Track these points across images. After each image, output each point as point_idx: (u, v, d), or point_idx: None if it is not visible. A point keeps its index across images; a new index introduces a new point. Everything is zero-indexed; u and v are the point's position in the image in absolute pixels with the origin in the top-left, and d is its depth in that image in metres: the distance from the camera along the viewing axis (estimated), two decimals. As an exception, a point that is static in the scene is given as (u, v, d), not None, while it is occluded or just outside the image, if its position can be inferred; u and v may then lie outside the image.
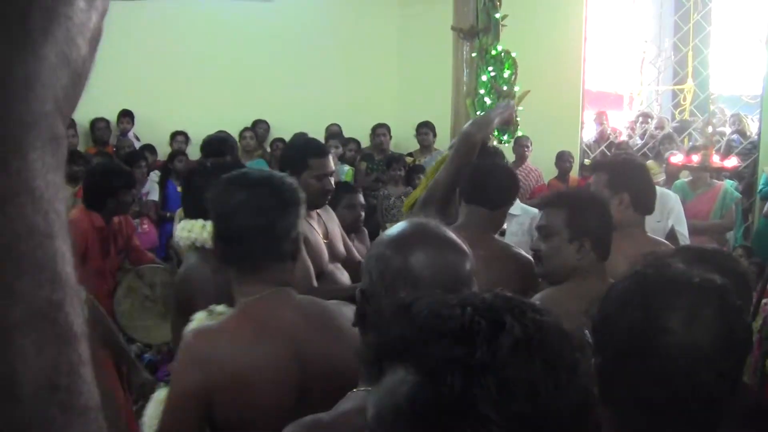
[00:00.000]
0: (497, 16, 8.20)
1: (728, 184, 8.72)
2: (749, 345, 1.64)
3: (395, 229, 1.95)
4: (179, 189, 9.21)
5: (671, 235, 5.14)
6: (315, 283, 3.86)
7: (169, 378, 2.70)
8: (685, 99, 13.56)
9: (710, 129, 9.17)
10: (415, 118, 10.74)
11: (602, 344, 1.65)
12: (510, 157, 9.88)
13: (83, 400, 0.64)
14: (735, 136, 11.33)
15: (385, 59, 11.83)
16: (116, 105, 10.76)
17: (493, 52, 8.09)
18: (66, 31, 0.71)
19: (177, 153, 10.17)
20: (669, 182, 8.32)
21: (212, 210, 2.61)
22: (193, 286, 3.38)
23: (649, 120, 12.78)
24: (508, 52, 8.16)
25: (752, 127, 11.47)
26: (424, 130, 10.60)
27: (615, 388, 1.61)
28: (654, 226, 4.65)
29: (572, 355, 1.22)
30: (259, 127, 11.09)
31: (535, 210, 5.79)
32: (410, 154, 10.73)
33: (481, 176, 3.99)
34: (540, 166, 10.43)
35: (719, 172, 8.78)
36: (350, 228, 5.19)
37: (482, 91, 8.08)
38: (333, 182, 4.15)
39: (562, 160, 10.45)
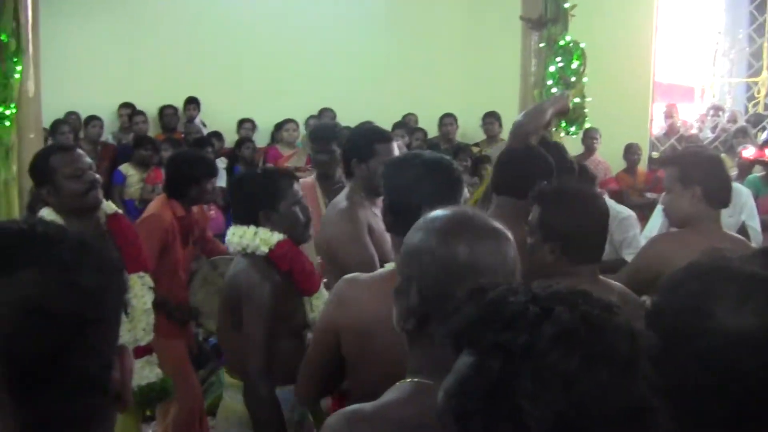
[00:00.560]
0: (566, 5, 8.13)
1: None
2: None
3: (438, 218, 1.89)
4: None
5: (743, 230, 5.05)
6: None
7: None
8: (759, 92, 13.30)
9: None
10: (481, 108, 10.68)
11: (652, 330, 1.63)
12: (578, 149, 9.80)
13: None
14: (811, 130, 11.09)
15: (452, 49, 11.77)
16: (183, 92, 10.89)
17: (562, 43, 8.03)
18: None
19: (244, 140, 10.27)
20: (741, 177, 8.16)
21: (386, 183, 2.83)
22: (241, 290, 3.40)
23: (721, 113, 12.56)
24: (576, 43, 8.10)
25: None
26: (490, 119, 10.53)
27: (663, 375, 1.59)
28: (726, 221, 4.57)
29: (624, 355, 1.16)
30: (324, 116, 11.12)
31: (621, 209, 5.71)
32: (476, 144, 10.68)
33: (506, 165, 3.92)
34: (608, 158, 10.31)
35: (793, 167, 8.60)
36: None
37: (550, 82, 8.05)
38: None
39: (630, 152, 10.33)
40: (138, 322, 4.05)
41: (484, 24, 11.24)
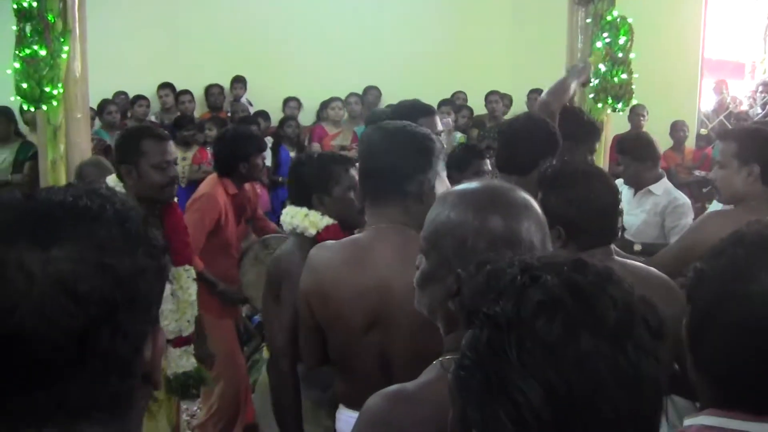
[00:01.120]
0: (613, -19, 8.04)
1: None
2: None
3: (467, 192, 1.87)
4: (291, 154, 9.33)
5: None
6: None
7: None
8: (811, 68, 13.08)
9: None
10: (528, 84, 10.61)
11: (694, 296, 1.61)
12: (625, 125, 9.71)
13: None
14: None
15: (498, 25, 11.70)
16: (229, 71, 10.93)
17: (609, 18, 7.93)
18: None
19: (287, 119, 10.28)
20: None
21: (361, 150, 2.89)
22: (282, 268, 3.44)
23: (770, 89, 12.37)
24: (624, 18, 7.99)
25: None
26: (536, 96, 10.44)
27: (704, 343, 1.57)
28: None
29: (612, 325, 1.14)
30: (370, 94, 11.11)
31: (678, 195, 5.62)
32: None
33: (507, 141, 3.82)
34: (656, 136, 10.15)
35: None
36: None
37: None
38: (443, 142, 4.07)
39: (676, 129, 10.22)
40: (183, 314, 4.11)
41: (531, 0, 11.15)
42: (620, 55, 7.89)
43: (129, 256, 1.08)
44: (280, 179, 9.25)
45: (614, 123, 8.70)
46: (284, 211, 3.62)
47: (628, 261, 3.15)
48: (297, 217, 3.52)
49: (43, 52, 6.72)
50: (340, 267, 2.68)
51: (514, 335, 1.13)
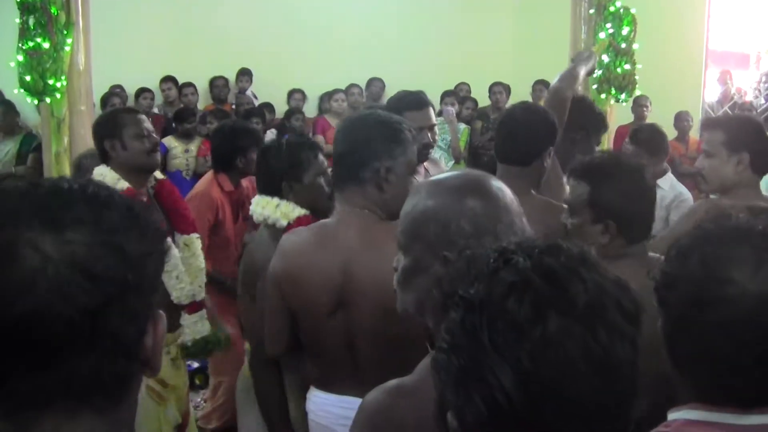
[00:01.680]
0: (616, -29, 8.03)
1: None
2: None
3: (444, 180, 1.87)
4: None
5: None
6: None
7: None
8: (816, 58, 13.04)
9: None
10: (531, 75, 10.60)
11: (665, 302, 1.60)
12: (628, 116, 9.69)
13: None
14: None
15: (502, 16, 11.68)
16: (235, 64, 10.92)
17: (612, 9, 7.94)
18: None
19: (293, 111, 10.28)
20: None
21: (338, 137, 2.89)
22: (254, 260, 3.42)
23: (775, 80, 12.35)
24: (627, 9, 7.99)
25: None
26: (540, 87, 10.45)
27: (680, 345, 1.56)
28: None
29: (581, 306, 1.13)
30: (374, 86, 11.10)
31: (683, 190, 5.62)
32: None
33: (506, 133, 3.74)
34: (661, 126, 10.16)
35: None
36: None
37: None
38: (433, 136, 4.04)
39: (680, 120, 10.19)
40: (195, 279, 4.15)
41: (534, -9, 11.14)
42: (623, 45, 7.90)
43: (138, 240, 1.11)
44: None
45: (617, 114, 8.70)
46: (254, 201, 3.59)
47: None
48: (268, 208, 3.50)
49: (46, 45, 6.74)
50: (306, 250, 2.76)
51: (485, 316, 1.13)
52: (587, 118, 4.29)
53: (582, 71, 4.30)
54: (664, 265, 1.61)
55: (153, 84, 10.42)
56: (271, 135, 9.40)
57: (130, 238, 1.10)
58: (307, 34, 11.19)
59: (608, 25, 7.93)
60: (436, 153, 9.43)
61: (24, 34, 6.76)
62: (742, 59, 14.44)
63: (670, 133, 10.18)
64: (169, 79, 10.54)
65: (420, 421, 1.54)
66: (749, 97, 12.50)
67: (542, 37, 10.52)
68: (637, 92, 8.41)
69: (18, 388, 1.05)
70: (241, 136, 5.38)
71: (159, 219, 1.09)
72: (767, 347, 1.48)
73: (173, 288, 3.97)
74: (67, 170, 6.71)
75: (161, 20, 10.80)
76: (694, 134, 10.40)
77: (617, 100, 8.14)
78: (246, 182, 5.53)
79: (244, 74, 11.06)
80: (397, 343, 2.54)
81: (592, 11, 8.06)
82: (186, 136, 9.13)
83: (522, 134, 3.66)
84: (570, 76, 4.23)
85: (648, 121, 9.90)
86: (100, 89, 9.00)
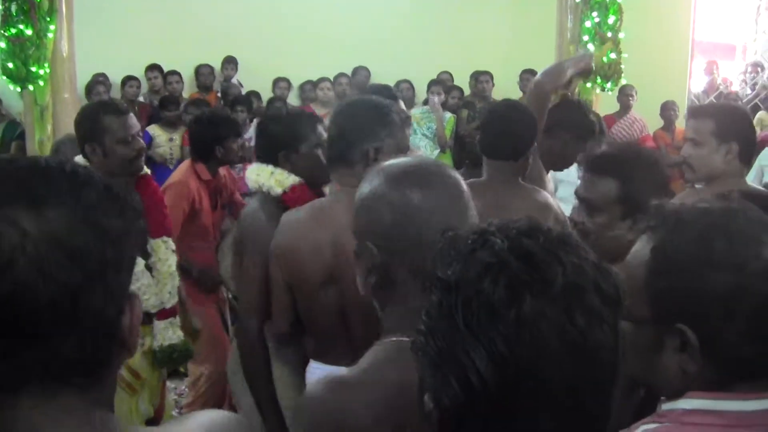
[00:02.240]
0: (602, -41, 8.02)
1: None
2: None
3: (386, 167, 1.82)
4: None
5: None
6: None
7: None
8: (802, 49, 13.07)
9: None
10: (518, 65, 10.58)
11: (667, 266, 1.52)
12: (614, 106, 9.70)
13: None
14: None
15: (489, 5, 11.64)
16: (220, 51, 10.87)
17: (598, -3, 7.97)
18: None
19: (277, 99, 10.24)
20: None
21: (334, 120, 3.04)
22: (245, 227, 3.44)
23: (760, 70, 12.36)
24: (613, -3, 8.03)
25: None
26: (527, 76, 10.41)
27: (687, 308, 1.52)
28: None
29: (557, 288, 1.10)
30: (359, 74, 11.08)
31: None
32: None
33: (492, 130, 3.77)
34: (645, 116, 10.18)
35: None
36: None
37: (586, 38, 7.96)
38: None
39: (666, 109, 10.21)
40: (164, 285, 4.06)
41: (520, -21, 11.12)
42: (609, 34, 7.91)
43: (116, 217, 1.10)
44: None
45: (603, 103, 8.70)
46: (249, 169, 3.58)
47: None
48: (263, 175, 3.47)
49: (29, 32, 6.70)
50: (301, 226, 2.90)
51: (460, 297, 1.11)
52: (580, 122, 4.28)
53: (570, 69, 4.27)
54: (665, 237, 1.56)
55: (138, 72, 10.35)
56: (257, 123, 9.37)
57: (109, 216, 1.09)
58: (293, 22, 11.14)
59: (594, 13, 7.94)
60: (421, 141, 9.50)
61: (6, 20, 6.72)
62: (728, 50, 14.50)
63: (656, 122, 10.22)
64: (154, 68, 10.49)
65: (360, 414, 1.49)
66: (735, 87, 12.52)
67: (529, 26, 10.51)
68: (623, 81, 8.41)
69: None
70: (220, 125, 5.35)
71: (136, 200, 1.09)
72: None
73: None
74: (50, 158, 6.67)
75: (146, 7, 10.72)
76: (680, 124, 10.41)
77: (603, 89, 8.14)
78: (224, 170, 5.51)
79: (230, 62, 11.01)
80: None
81: (578, 0, 8.06)
82: (170, 125, 9.09)
83: (512, 131, 3.71)
84: (555, 71, 4.21)
85: (634, 110, 9.94)
86: (84, 77, 8.94)
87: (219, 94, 10.66)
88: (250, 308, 3.29)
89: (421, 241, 1.60)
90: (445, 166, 1.87)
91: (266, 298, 3.18)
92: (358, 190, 1.82)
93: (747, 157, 3.64)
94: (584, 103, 4.56)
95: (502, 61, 10.84)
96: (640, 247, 1.59)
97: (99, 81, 9.71)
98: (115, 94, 9.92)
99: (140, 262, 3.89)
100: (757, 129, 6.39)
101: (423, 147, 9.32)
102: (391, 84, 8.66)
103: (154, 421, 4.14)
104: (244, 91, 10.52)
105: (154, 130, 8.99)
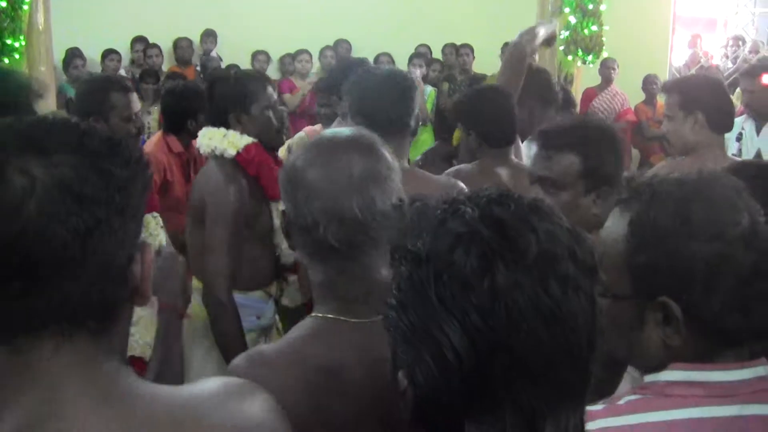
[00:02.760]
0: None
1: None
2: None
3: (317, 140, 1.78)
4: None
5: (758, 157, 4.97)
6: None
7: None
8: (783, 22, 13.09)
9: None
10: (499, 38, 10.53)
11: (647, 239, 1.51)
12: (595, 79, 9.68)
13: None
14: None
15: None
16: (199, 25, 10.79)
17: (579, -31, 7.95)
18: None
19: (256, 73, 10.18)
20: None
21: (352, 91, 2.99)
22: (202, 190, 3.44)
23: (741, 43, 12.37)
24: (594, -31, 8.00)
25: None
26: (509, 50, 10.41)
27: (669, 281, 1.51)
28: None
29: (530, 257, 1.07)
30: (340, 47, 11.04)
31: None
32: (494, 75, 10.55)
33: (495, 118, 3.78)
34: (627, 89, 10.18)
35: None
36: None
37: (567, 10, 7.94)
38: None
39: (648, 83, 10.20)
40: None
41: (501, -48, 11.06)
42: (590, 6, 7.88)
43: (122, 164, 1.13)
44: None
45: (585, 76, 8.70)
46: (200, 133, 3.57)
47: None
48: (215, 138, 3.46)
49: (3, 4, 6.60)
50: None
51: (432, 269, 1.08)
52: (544, 89, 4.28)
53: (542, 32, 4.28)
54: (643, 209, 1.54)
55: (116, 45, 10.25)
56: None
57: (115, 163, 1.12)
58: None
59: (576, -15, 7.91)
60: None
61: (-20, -8, 6.63)
62: (709, 23, 14.49)
63: (638, 96, 10.22)
64: (141, 40, 10.41)
65: (275, 390, 1.47)
66: (716, 61, 12.52)
67: (509, -1, 10.48)
68: (605, 54, 8.40)
69: (10, 312, 1.07)
70: (193, 98, 5.30)
71: (142, 152, 1.13)
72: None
73: None
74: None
75: (124, -21, 10.63)
76: (661, 98, 10.41)
77: (584, 62, 8.12)
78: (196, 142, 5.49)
79: (209, 35, 10.95)
80: None
81: (559, -28, 8.03)
82: (149, 98, 9.03)
83: (512, 117, 3.79)
84: (530, 32, 4.24)
85: (615, 83, 9.92)
86: (60, 49, 8.86)
87: (198, 68, 10.58)
88: (219, 272, 3.27)
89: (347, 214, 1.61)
90: (373, 137, 1.78)
91: (234, 262, 3.17)
92: (287, 162, 1.78)
93: (719, 126, 3.70)
94: (546, 71, 4.56)
95: (483, 34, 10.79)
96: (615, 222, 1.57)
97: (76, 54, 9.62)
98: (93, 67, 9.83)
99: None
100: (737, 103, 6.39)
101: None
102: (371, 58, 8.64)
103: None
104: (223, 65, 10.45)
105: (133, 103, 8.91)
